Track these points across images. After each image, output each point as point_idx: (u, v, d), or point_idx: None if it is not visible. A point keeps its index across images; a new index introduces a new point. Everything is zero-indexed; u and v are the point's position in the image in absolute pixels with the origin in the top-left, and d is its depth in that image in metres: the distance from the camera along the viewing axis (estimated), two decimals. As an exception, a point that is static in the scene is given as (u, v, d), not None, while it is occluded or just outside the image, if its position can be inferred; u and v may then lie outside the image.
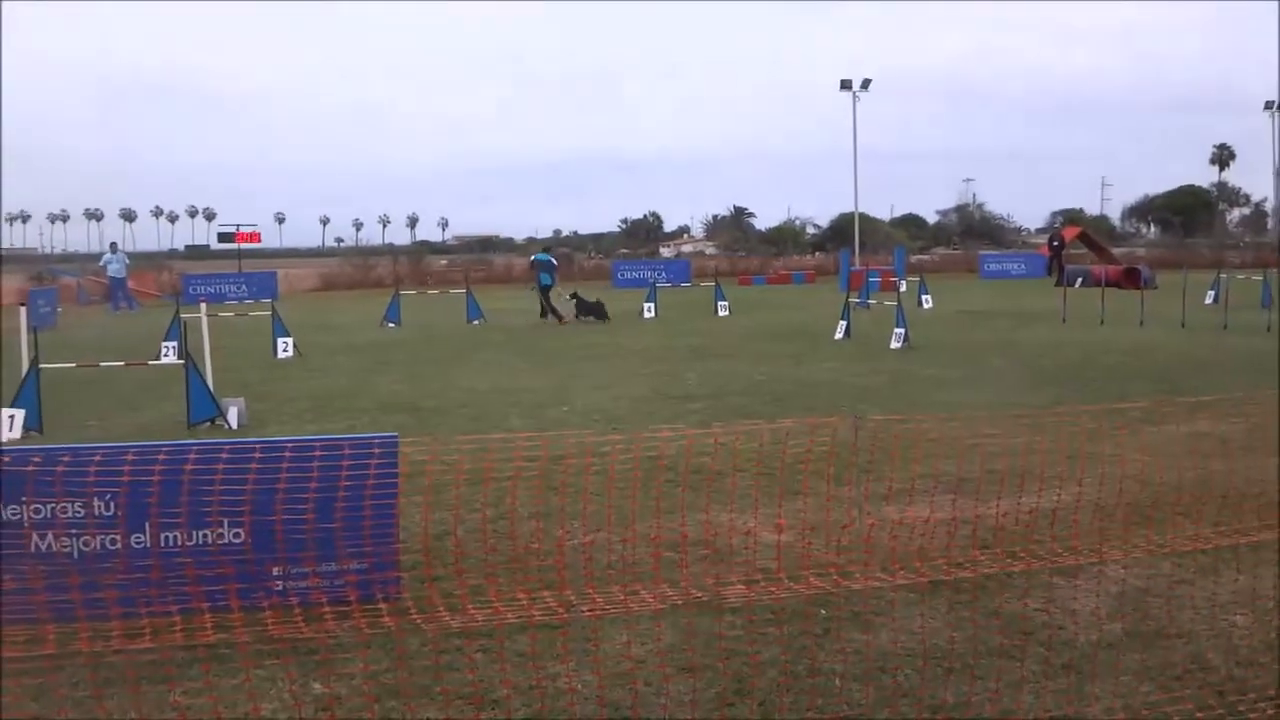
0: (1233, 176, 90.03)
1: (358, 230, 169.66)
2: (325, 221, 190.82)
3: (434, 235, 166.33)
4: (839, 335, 20.02)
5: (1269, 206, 78.44)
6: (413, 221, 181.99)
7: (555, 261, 26.53)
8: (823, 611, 5.66)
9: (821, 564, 6.22)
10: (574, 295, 25.33)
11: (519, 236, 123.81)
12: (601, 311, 24.88)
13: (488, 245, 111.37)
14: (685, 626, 5.41)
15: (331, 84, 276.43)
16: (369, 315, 26.53)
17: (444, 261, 62.66)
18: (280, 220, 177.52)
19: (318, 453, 5.61)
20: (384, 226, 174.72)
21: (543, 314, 24.96)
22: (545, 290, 25.02)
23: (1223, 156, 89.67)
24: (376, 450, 5.76)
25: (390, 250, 67.80)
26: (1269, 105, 62.91)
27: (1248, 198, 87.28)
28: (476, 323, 24.71)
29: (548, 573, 6.03)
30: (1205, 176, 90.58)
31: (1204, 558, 6.31)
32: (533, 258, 27.65)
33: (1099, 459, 8.69)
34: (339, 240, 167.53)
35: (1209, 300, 26.73)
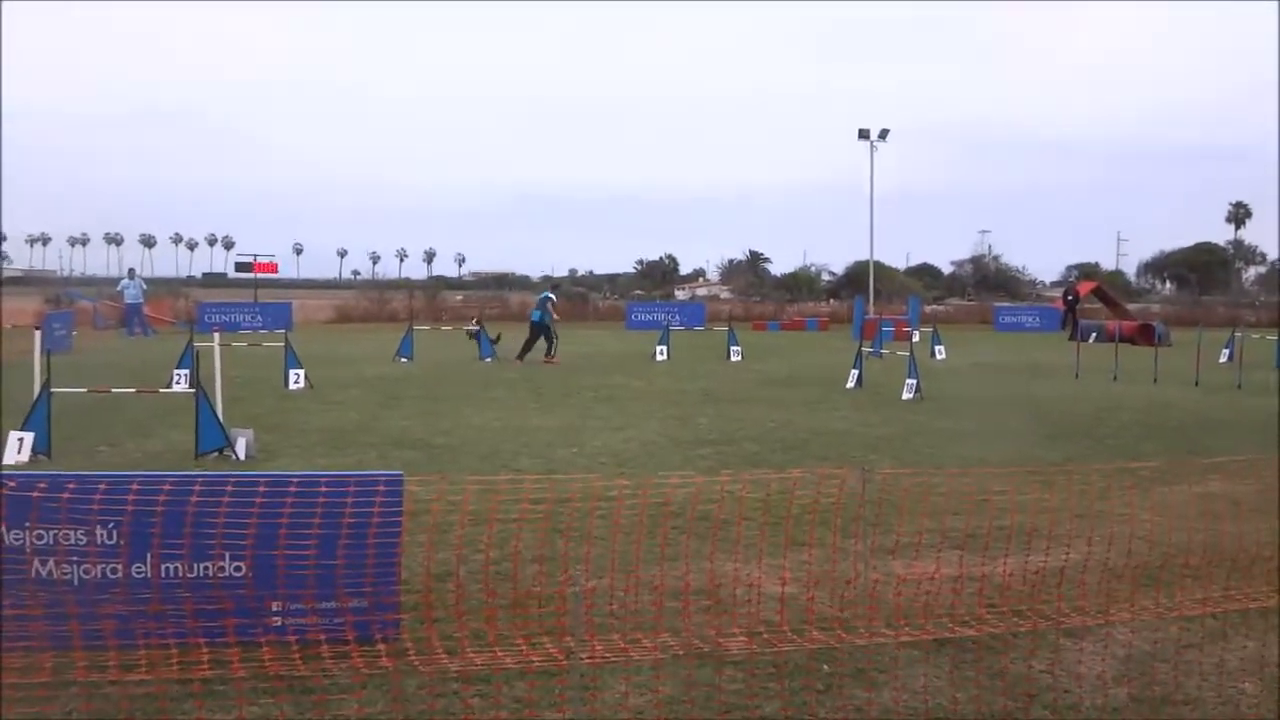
0: (1249, 234, 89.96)
1: (374, 263, 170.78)
2: (343, 254, 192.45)
3: (450, 270, 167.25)
4: (851, 384, 19.97)
5: (1285, 265, 78.33)
6: (429, 256, 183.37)
7: (552, 298, 26.86)
8: (825, 667, 5.59)
9: (825, 618, 6.17)
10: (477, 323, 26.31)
11: (534, 274, 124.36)
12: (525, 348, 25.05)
13: (503, 282, 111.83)
14: (685, 678, 5.35)
15: (353, 119, 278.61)
16: (382, 349, 26.58)
17: (459, 297, 62.92)
18: (298, 251, 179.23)
19: (323, 488, 5.60)
20: (401, 260, 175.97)
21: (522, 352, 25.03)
22: (534, 326, 25.24)
23: (1239, 214, 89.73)
24: (382, 487, 5.75)
25: (406, 284, 68.15)
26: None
27: (1264, 256, 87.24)
28: (489, 360, 24.73)
29: (548, 618, 5.98)
30: (1221, 234, 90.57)
31: (1213, 622, 6.23)
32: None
33: (1109, 518, 8.61)
34: (355, 273, 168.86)
35: (1224, 359, 26.59)
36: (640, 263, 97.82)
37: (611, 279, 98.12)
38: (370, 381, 19.50)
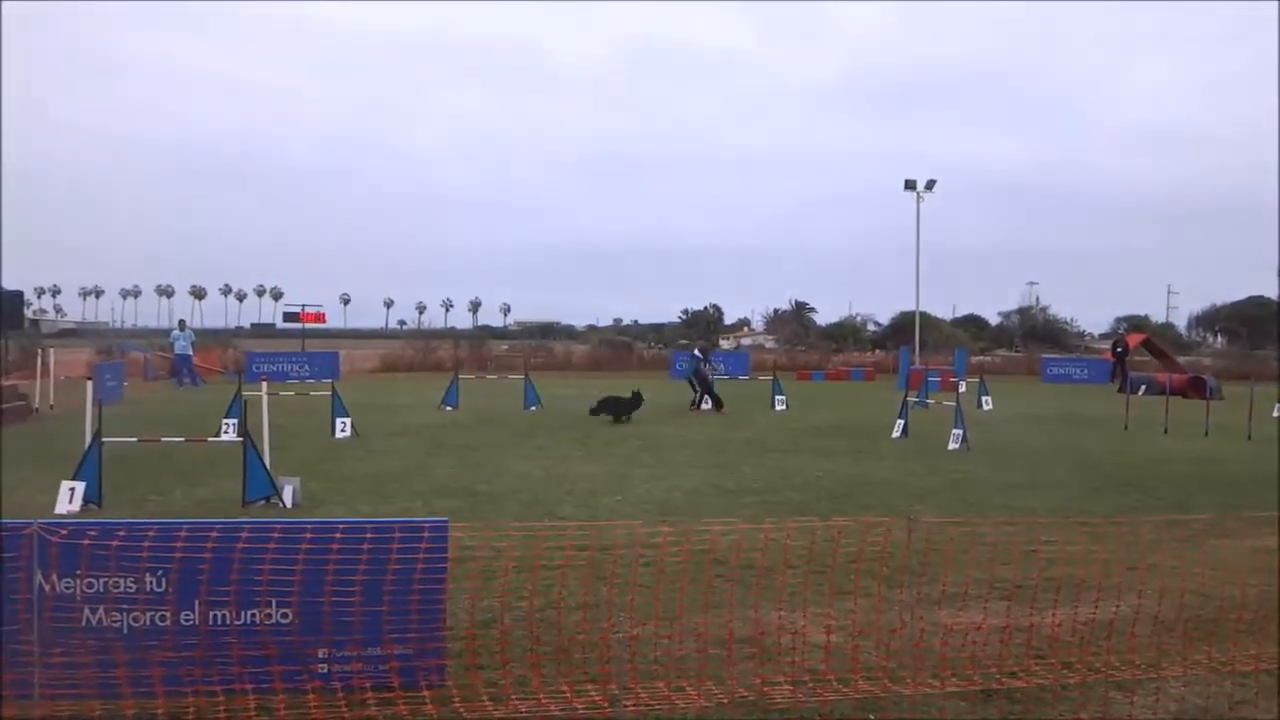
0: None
1: (420, 313, 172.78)
2: (389, 304, 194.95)
3: (495, 320, 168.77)
4: (896, 434, 19.84)
5: (1338, 319, 76.83)
6: (475, 306, 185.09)
7: (698, 354, 27.16)
8: (871, 717, 5.53)
9: (871, 667, 6.11)
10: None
11: (580, 324, 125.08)
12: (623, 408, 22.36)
13: (548, 332, 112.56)
14: (729, 727, 5.32)
15: (401, 169, 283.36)
16: (428, 398, 26.82)
17: (505, 347, 63.41)
18: (345, 301, 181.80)
19: (368, 535, 5.66)
20: (447, 310, 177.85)
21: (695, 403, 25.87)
22: (693, 380, 26.43)
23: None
24: (427, 534, 5.79)
25: (451, 334, 68.77)
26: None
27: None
28: (534, 409, 24.85)
29: (592, 665, 5.98)
30: (1272, 287, 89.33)
31: (1267, 679, 6.09)
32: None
33: (1159, 571, 8.46)
34: (402, 322, 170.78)
35: (1276, 413, 26.10)
36: (685, 312, 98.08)
37: (657, 328, 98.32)
38: (415, 430, 19.67)
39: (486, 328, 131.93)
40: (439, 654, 5.79)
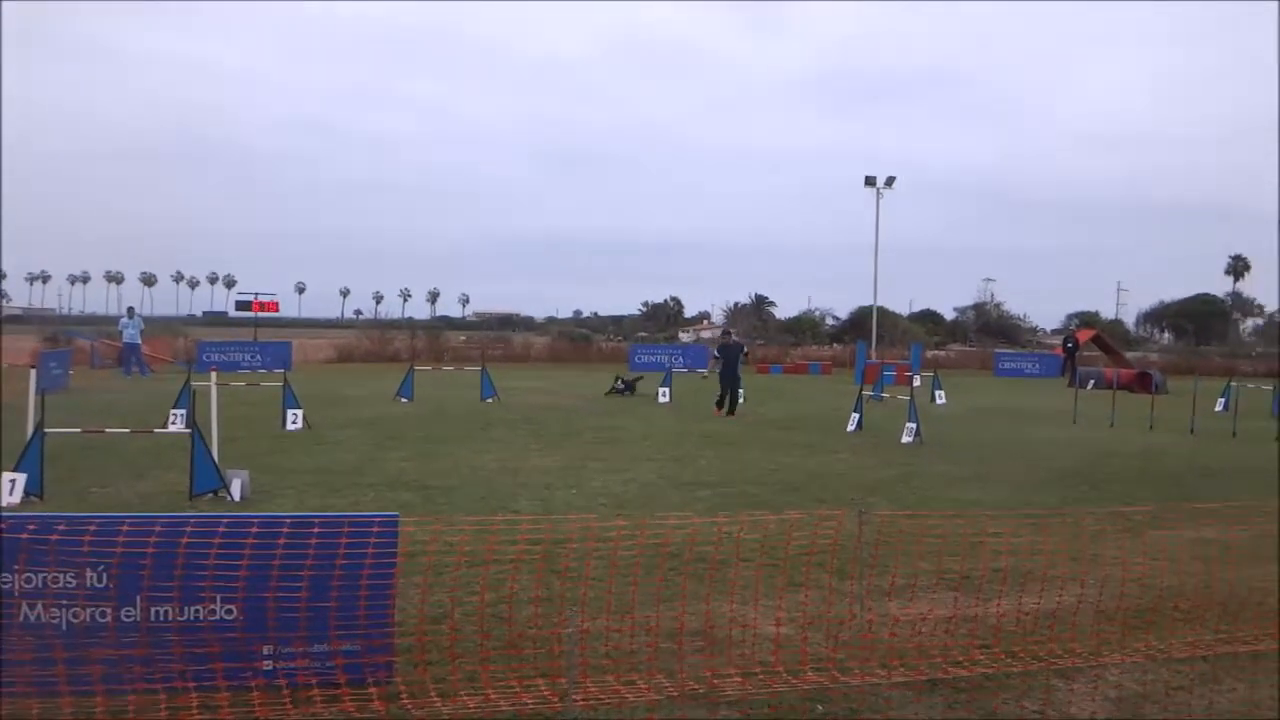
0: (1247, 287, 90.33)
1: (377, 303, 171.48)
2: (345, 293, 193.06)
3: (454, 311, 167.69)
4: (851, 427, 20.00)
5: (1281, 317, 78.59)
6: (433, 296, 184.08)
7: (716, 354, 25.00)
8: (819, 708, 5.58)
9: (820, 658, 6.17)
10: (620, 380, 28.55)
11: (539, 315, 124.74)
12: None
13: (507, 323, 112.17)
14: (679, 719, 5.34)
15: (360, 156, 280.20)
16: (382, 390, 26.64)
17: (463, 338, 63.06)
18: (300, 290, 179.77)
19: (316, 530, 5.61)
20: (404, 300, 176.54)
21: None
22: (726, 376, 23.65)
23: (1238, 267, 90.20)
24: (376, 529, 5.75)
25: (408, 324, 68.33)
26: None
27: (1261, 308, 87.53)
28: (490, 401, 24.76)
29: (543, 660, 5.98)
30: (1221, 285, 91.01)
31: (1203, 665, 6.23)
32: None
33: (1102, 561, 8.61)
34: (358, 312, 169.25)
35: (1219, 408, 26.64)
36: (645, 305, 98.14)
37: (617, 320, 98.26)
38: (369, 422, 19.52)
39: (444, 318, 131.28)
40: (387, 650, 5.75)
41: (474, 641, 6.20)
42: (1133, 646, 6.39)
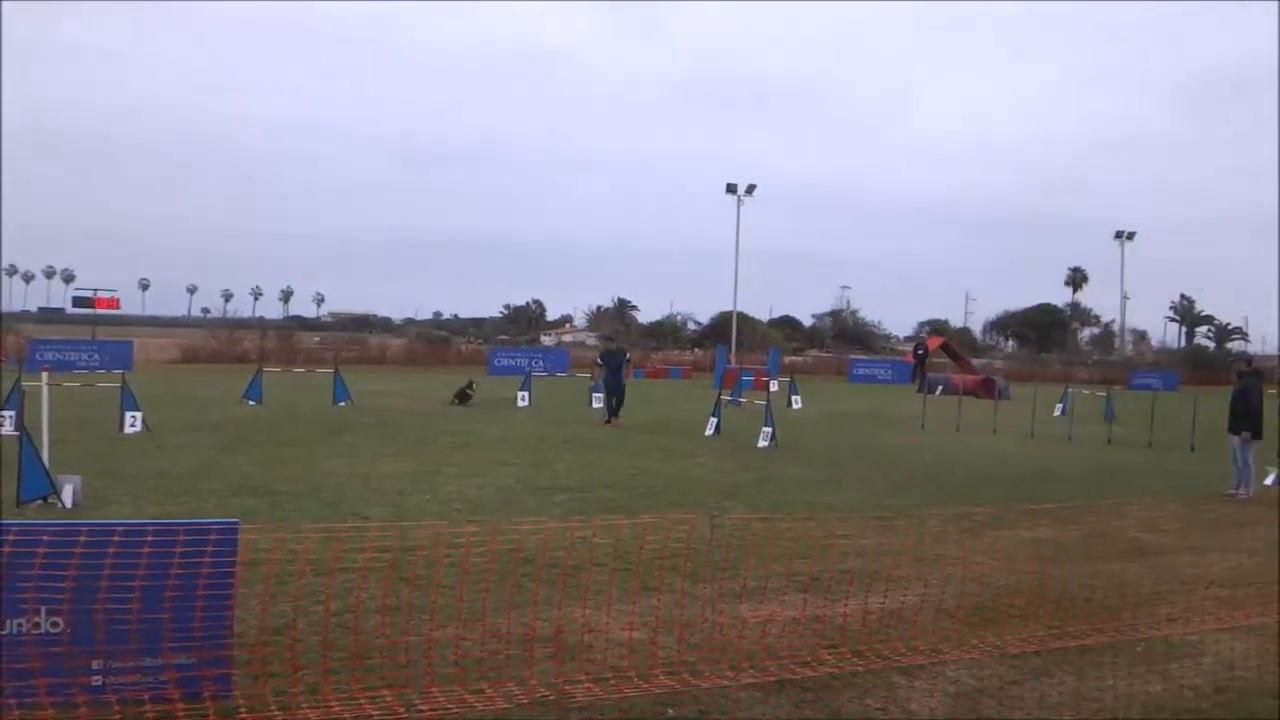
0: (1085, 298, 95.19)
1: (226, 301, 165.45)
2: (193, 290, 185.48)
3: (308, 311, 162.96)
4: (710, 432, 20.24)
5: (1117, 327, 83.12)
6: (286, 295, 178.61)
7: (599, 361, 23.71)
8: (669, 711, 5.60)
9: (671, 662, 6.18)
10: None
11: (397, 317, 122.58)
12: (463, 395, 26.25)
13: (363, 324, 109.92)
14: (526, 727, 5.29)
15: (208, 147, 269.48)
16: (229, 392, 25.73)
17: (316, 339, 61.53)
18: (144, 287, 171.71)
19: (149, 538, 5.35)
20: (255, 299, 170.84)
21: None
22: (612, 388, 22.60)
23: (1077, 279, 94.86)
24: (214, 536, 5.52)
25: (259, 324, 66.32)
26: (1119, 235, 67.64)
27: (1098, 318, 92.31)
28: (343, 404, 24.18)
29: (390, 670, 5.84)
30: (1061, 296, 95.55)
31: (1037, 659, 6.49)
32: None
33: (945, 561, 8.91)
34: (205, 310, 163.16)
35: (1057, 412, 28.00)
36: (507, 307, 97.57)
37: (478, 323, 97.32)
38: (213, 425, 18.83)
39: (297, 318, 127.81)
40: (225, 663, 5.52)
41: (317, 653, 6.01)
42: (971, 643, 6.61)
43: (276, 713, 5.18)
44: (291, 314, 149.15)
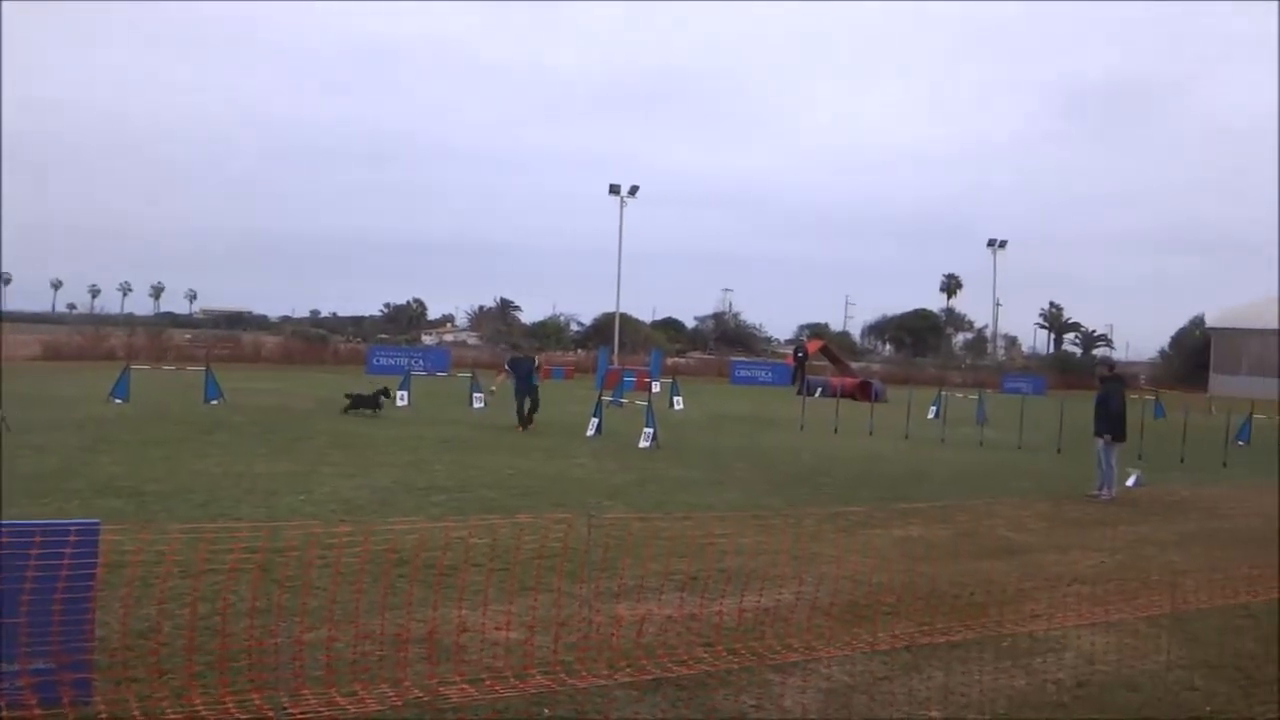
0: (959, 303, 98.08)
1: (94, 297, 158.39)
2: (57, 285, 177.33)
3: (180, 307, 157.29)
4: (591, 432, 20.27)
5: (989, 333, 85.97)
6: (157, 291, 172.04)
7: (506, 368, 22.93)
8: (545, 711, 5.60)
9: (548, 662, 6.18)
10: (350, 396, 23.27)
11: (273, 314, 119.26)
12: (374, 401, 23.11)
13: (237, 321, 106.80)
14: (399, 729, 5.23)
15: (79, 136, 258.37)
16: (95, 389, 24.74)
17: (187, 336, 59.60)
18: (6, 281, 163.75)
19: (3, 540, 5.12)
20: (124, 295, 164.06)
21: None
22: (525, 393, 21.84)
23: (951, 285, 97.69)
24: (74, 538, 5.31)
25: (128, 320, 63.96)
26: (991, 243, 70.00)
27: (971, 323, 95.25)
28: (215, 403, 23.47)
29: (260, 673, 5.70)
30: (936, 302, 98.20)
31: (908, 655, 6.68)
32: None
33: (820, 560, 9.10)
34: (71, 306, 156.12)
35: (931, 415, 28.85)
36: (387, 306, 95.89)
37: (356, 321, 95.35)
38: (78, 424, 18.08)
39: (169, 315, 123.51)
40: (85, 668, 5.32)
41: (183, 656, 5.83)
42: (844, 640, 6.77)
43: (139, 717, 5.02)
44: (163, 310, 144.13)
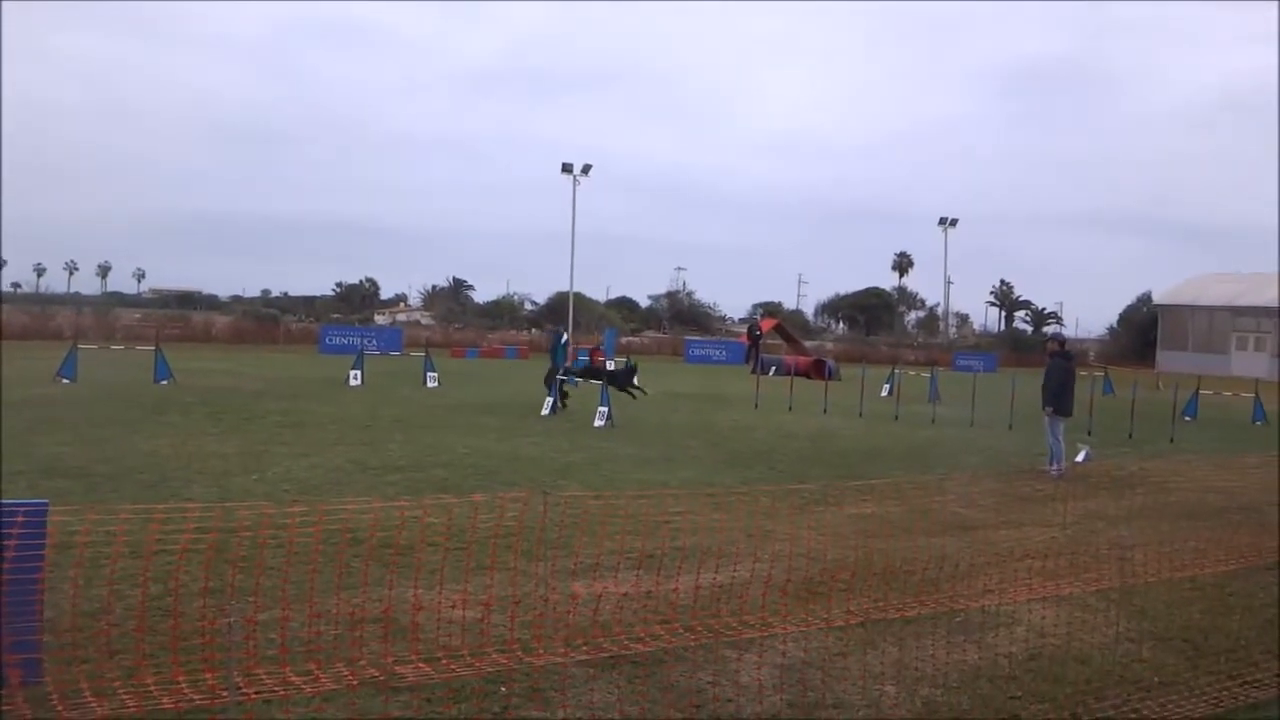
0: (911, 282, 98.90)
1: (39, 276, 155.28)
2: (2, 264, 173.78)
3: (128, 287, 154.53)
4: (546, 411, 20.23)
5: (941, 311, 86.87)
6: (104, 271, 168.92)
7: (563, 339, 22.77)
8: (502, 689, 5.60)
9: (504, 640, 6.18)
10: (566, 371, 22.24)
11: (224, 294, 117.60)
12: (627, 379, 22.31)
13: (187, 301, 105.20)
14: (355, 708, 5.21)
15: (19, 122, 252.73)
16: (41, 369, 24.30)
17: (137, 315, 58.65)
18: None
19: (-52, 520, 5.02)
20: (70, 274, 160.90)
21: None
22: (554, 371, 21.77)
23: (903, 264, 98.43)
24: (21, 518, 5.22)
25: (74, 299, 62.84)
26: (942, 221, 70.63)
27: (923, 302, 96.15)
28: (165, 383, 23.14)
29: (214, 653, 5.64)
30: (888, 280, 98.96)
31: (862, 631, 6.75)
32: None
33: (775, 537, 9.17)
34: (16, 285, 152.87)
35: (884, 393, 29.10)
36: (339, 286, 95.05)
37: (308, 301, 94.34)
38: (23, 404, 17.74)
39: (117, 294, 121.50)
40: (33, 648, 5.24)
41: (134, 637, 5.77)
42: (799, 616, 6.82)
43: (91, 699, 4.95)
44: (110, 290, 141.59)
